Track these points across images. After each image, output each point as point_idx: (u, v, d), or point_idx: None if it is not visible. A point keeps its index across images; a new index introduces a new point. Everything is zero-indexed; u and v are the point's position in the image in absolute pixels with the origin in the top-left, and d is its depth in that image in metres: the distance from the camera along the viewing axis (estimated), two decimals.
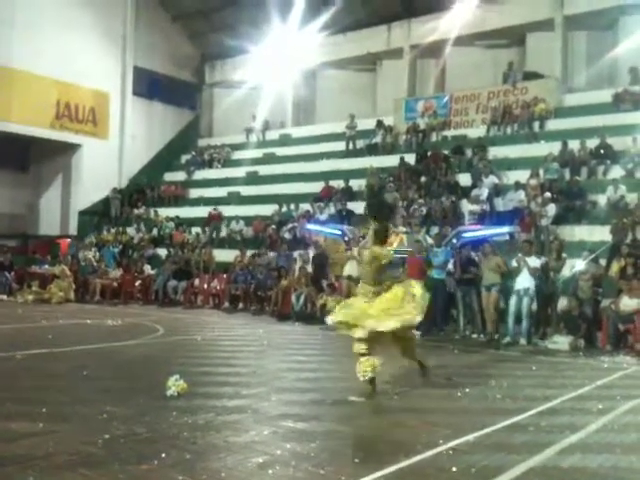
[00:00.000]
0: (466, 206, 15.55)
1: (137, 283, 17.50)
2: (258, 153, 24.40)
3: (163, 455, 4.44)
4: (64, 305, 16.19)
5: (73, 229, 23.37)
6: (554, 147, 16.71)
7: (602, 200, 14.45)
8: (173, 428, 5.17)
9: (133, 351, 9.30)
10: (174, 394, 6.17)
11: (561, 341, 10.42)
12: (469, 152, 18.35)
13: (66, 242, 21.15)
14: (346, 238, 14.31)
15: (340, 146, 22.17)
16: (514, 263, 11.34)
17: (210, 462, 4.42)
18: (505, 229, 12.75)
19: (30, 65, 21.48)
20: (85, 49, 23.20)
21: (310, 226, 16.09)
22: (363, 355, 6.54)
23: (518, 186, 15.51)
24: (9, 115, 21.14)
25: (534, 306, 10.98)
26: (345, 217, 16.99)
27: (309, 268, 15.16)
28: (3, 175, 23.44)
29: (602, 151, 15.94)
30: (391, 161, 19.51)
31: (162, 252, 19.18)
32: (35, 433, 4.88)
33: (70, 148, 23.70)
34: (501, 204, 15.54)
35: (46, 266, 18.00)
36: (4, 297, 17.37)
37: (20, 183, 24.41)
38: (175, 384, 6.24)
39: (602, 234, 13.12)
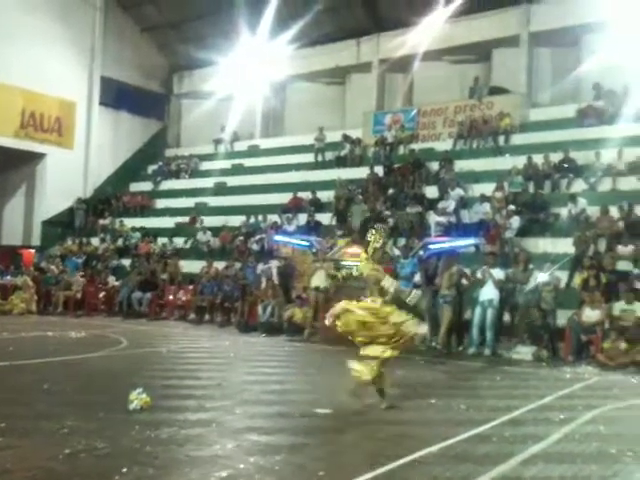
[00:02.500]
0: (433, 218, 15.69)
1: (101, 294, 17.21)
2: (226, 164, 24.32)
3: (124, 470, 4.37)
4: (26, 317, 15.87)
5: (36, 239, 22.95)
6: (519, 161, 16.99)
7: (565, 213, 14.72)
8: (135, 443, 5.09)
9: (96, 364, 9.14)
10: (137, 408, 6.08)
11: (525, 352, 10.56)
12: (436, 165, 18.55)
13: (29, 252, 20.75)
14: (314, 249, 14.35)
15: (309, 158, 22.23)
16: (479, 275, 11.48)
17: (173, 477, 4.36)
18: (471, 241, 12.91)
19: None
20: (52, 59, 22.91)
21: (278, 237, 16.08)
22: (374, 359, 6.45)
23: (483, 199, 15.73)
24: None
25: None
26: (313, 228, 17.01)
27: (276, 279, 15.13)
28: None
29: (565, 165, 16.26)
30: (359, 173, 19.62)
31: (127, 263, 18.93)
32: None
33: (35, 157, 23.31)
34: (467, 216, 15.73)
35: (8, 277, 17.62)
36: None
37: None
38: (138, 397, 6.15)
39: (565, 246, 13.34)
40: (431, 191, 17.37)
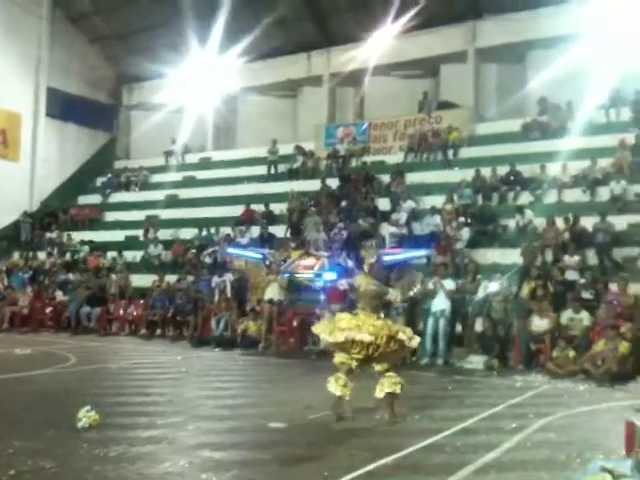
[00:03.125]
0: (386, 229, 15.84)
1: (48, 310, 16.73)
2: (178, 176, 24.04)
3: None
4: None
5: None
6: (467, 173, 17.33)
7: (512, 224, 15.06)
8: (84, 461, 4.95)
9: (43, 381, 8.86)
10: (85, 426, 5.92)
11: (476, 361, 10.71)
12: (387, 177, 18.75)
13: None
14: (267, 262, 14.30)
15: (261, 170, 22.18)
16: (430, 285, 11.62)
17: None
18: (422, 252, 13.09)
19: None
20: None
21: (231, 250, 15.97)
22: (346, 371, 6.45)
23: (434, 211, 15.96)
24: None
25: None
26: (266, 241, 16.95)
27: (229, 293, 15.00)
28: None
29: (512, 178, 16.66)
30: (312, 186, 19.69)
31: (75, 277, 18.43)
32: None
33: None
34: (419, 228, 15.91)
35: None
36: None
37: None
38: (86, 415, 5.99)
39: (513, 257, 13.63)
40: (383, 203, 17.55)
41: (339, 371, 6.49)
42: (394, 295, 6.84)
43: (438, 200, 16.48)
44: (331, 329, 6.56)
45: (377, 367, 6.59)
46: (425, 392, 8.45)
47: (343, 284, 7.33)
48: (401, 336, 6.52)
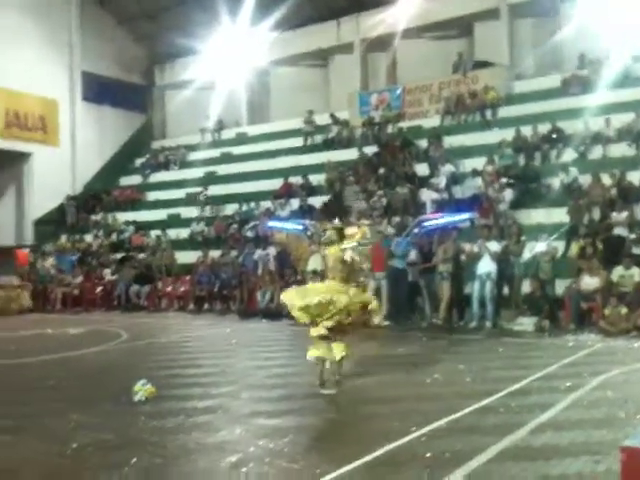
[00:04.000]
0: (427, 195, 15.66)
1: (98, 290, 17.16)
2: (215, 153, 24.15)
3: (134, 461, 4.35)
4: (24, 315, 15.80)
5: (29, 239, 22.80)
6: (507, 133, 16.92)
7: (557, 183, 14.70)
8: (142, 433, 5.07)
9: (98, 358, 9.11)
10: (142, 399, 6.06)
11: (526, 322, 10.58)
12: (424, 142, 18.48)
13: (23, 252, 20.61)
14: (308, 233, 14.29)
15: (297, 142, 22.11)
16: (475, 249, 11.47)
17: (182, 465, 4.34)
18: (465, 216, 12.84)
19: None
20: (31, 57, 22.58)
21: (272, 223, 15.98)
22: (324, 339, 6.42)
23: (475, 173, 15.68)
24: None
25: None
26: (306, 212, 16.95)
27: (272, 265, 15.10)
28: None
29: (554, 135, 16.22)
30: (349, 155, 19.54)
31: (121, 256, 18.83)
32: (2, 446, 4.78)
33: (21, 157, 23.09)
34: (459, 191, 15.69)
35: (3, 277, 17.47)
36: None
37: None
38: (142, 389, 6.13)
39: (559, 216, 13.34)
40: (422, 168, 17.32)
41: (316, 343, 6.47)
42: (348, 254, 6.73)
43: (478, 162, 16.17)
44: (302, 295, 6.51)
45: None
46: (475, 355, 8.41)
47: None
48: (371, 307, 6.54)
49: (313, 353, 6.43)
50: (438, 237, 11.64)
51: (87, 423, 5.36)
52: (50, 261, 18.46)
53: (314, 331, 6.42)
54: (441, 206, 15.06)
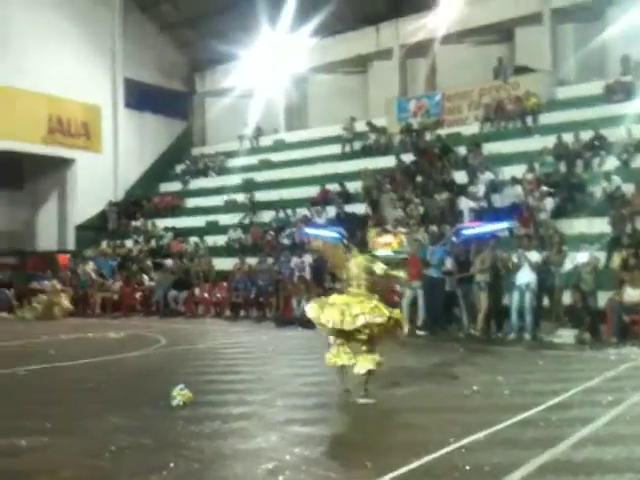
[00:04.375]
0: (465, 203, 15.51)
1: (137, 295, 17.42)
2: (253, 160, 24.35)
3: (171, 465, 4.38)
4: (65, 319, 16.11)
5: (71, 244, 23.29)
6: (548, 141, 16.68)
7: (599, 192, 14.39)
8: (180, 438, 5.11)
9: (137, 362, 9.25)
10: (180, 404, 6.11)
11: (566, 334, 10.38)
12: (463, 150, 18.32)
13: (65, 257, 21.07)
14: (345, 241, 14.29)
15: (334, 149, 22.14)
16: (514, 259, 11.30)
17: (219, 470, 4.37)
18: (504, 225, 12.66)
19: (18, 80, 21.36)
20: (75, 63, 23.15)
21: (308, 230, 16.02)
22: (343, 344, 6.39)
23: (514, 181, 15.48)
24: (0, 132, 21.05)
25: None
26: (343, 220, 16.94)
27: (308, 273, 15.12)
28: None
29: (596, 143, 15.91)
30: (386, 162, 19.49)
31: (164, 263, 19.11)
32: (40, 448, 4.83)
33: (64, 163, 23.62)
34: (498, 200, 15.50)
35: (46, 282, 17.89)
36: (4, 314, 17.30)
37: (16, 200, 24.31)
38: (180, 394, 6.18)
39: (601, 226, 13.07)
40: (460, 176, 17.17)
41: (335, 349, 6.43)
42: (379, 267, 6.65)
43: (518, 170, 15.96)
44: (322, 306, 6.44)
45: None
46: (514, 367, 8.27)
47: None
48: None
49: (332, 361, 6.42)
50: (476, 246, 11.48)
51: (126, 426, 5.42)
52: (91, 266, 18.81)
53: (326, 332, 6.42)
54: (479, 214, 14.89)
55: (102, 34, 24.40)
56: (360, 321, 6.15)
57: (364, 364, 6.31)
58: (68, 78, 22.63)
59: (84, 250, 21.55)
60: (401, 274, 7.21)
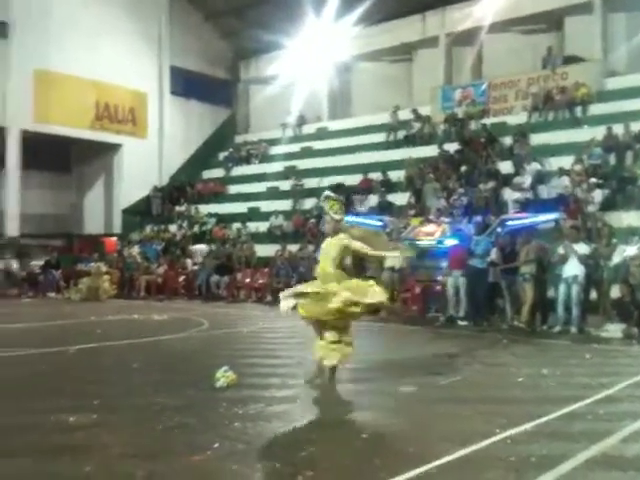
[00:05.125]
0: (509, 194, 15.27)
1: (181, 279, 17.71)
2: (295, 147, 24.41)
3: (216, 445, 4.43)
4: (111, 301, 16.48)
5: (117, 227, 23.78)
6: (597, 132, 16.30)
7: None
8: (224, 419, 5.17)
9: (180, 344, 9.39)
10: (223, 385, 6.18)
11: (613, 329, 10.14)
12: (509, 140, 18.03)
13: (111, 240, 21.52)
14: (387, 229, 14.25)
15: (377, 138, 22.04)
16: (561, 250, 11.07)
17: (262, 452, 4.39)
18: (551, 216, 12.47)
19: (68, 67, 21.86)
20: (122, 50, 23.55)
21: (350, 218, 16.01)
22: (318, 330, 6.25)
23: (562, 172, 15.17)
24: (49, 117, 21.57)
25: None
26: (385, 209, 16.88)
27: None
28: (47, 177, 24.00)
29: None
30: (429, 151, 19.33)
31: (204, 248, 19.32)
32: (89, 425, 4.93)
33: (111, 148, 24.09)
34: (545, 191, 15.21)
35: (92, 264, 18.33)
36: (52, 294, 17.80)
37: (63, 184, 24.94)
38: (224, 375, 6.24)
39: None
40: (505, 167, 16.91)
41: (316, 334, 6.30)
42: (393, 261, 6.44)
43: (566, 161, 15.64)
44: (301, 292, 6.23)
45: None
46: (559, 360, 8.11)
47: None
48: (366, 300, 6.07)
49: (320, 353, 6.25)
50: (523, 238, 11.29)
51: (171, 406, 5.50)
52: (136, 250, 19.17)
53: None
54: (525, 206, 14.66)
55: (149, 22, 24.74)
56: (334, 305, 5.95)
57: (330, 358, 6.20)
58: (116, 65, 23.03)
59: (129, 234, 21.96)
60: (394, 253, 6.83)
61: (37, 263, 19.15)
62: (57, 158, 24.08)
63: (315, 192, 19.80)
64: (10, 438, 4.58)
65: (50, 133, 21.64)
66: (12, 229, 21.09)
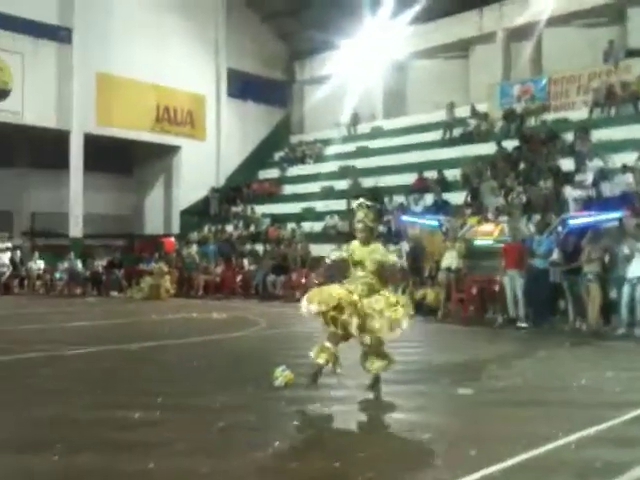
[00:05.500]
0: (570, 192, 14.88)
1: (238, 278, 17.97)
2: (350, 147, 24.40)
3: (276, 444, 4.48)
4: (171, 300, 16.86)
5: (175, 228, 24.30)
6: None
7: None
8: (283, 417, 5.22)
9: (238, 343, 9.55)
10: (281, 384, 6.21)
11: None
12: (570, 136, 17.58)
13: (170, 240, 22.01)
14: (444, 229, 14.11)
15: (433, 136, 21.83)
16: (625, 250, 10.72)
17: (323, 452, 4.42)
18: (615, 215, 12.08)
19: (129, 71, 22.49)
20: (180, 53, 24.04)
21: (406, 218, 15.94)
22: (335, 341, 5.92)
23: (625, 169, 14.69)
24: (112, 121, 22.23)
25: None
26: (441, 208, 16.70)
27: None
28: (110, 179, 24.72)
29: None
30: (486, 149, 19.01)
31: (259, 248, 19.59)
32: (153, 421, 5.04)
33: (170, 150, 24.63)
34: (608, 189, 14.76)
35: (152, 264, 18.79)
36: (115, 293, 18.34)
37: (125, 186, 25.65)
38: (282, 374, 6.28)
39: None
40: (566, 164, 16.49)
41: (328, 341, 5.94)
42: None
43: (629, 157, 15.14)
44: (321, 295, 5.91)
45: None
46: (624, 363, 7.88)
47: None
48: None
49: (317, 357, 5.93)
50: (589, 237, 10.95)
51: (231, 404, 5.59)
52: (195, 249, 19.56)
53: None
54: (586, 204, 14.27)
55: (207, 26, 25.17)
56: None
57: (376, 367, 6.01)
58: (175, 68, 23.55)
59: (188, 234, 22.41)
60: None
61: (100, 263, 19.75)
62: (119, 160, 24.80)
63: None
64: (78, 433, 4.73)
65: (112, 136, 22.30)
66: (76, 230, 21.81)
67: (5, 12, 20.14)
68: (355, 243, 6.09)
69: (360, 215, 6.05)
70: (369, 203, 6.14)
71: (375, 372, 6.08)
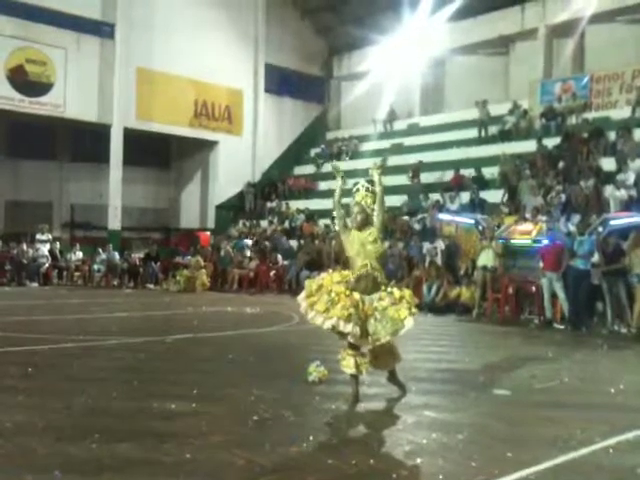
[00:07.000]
0: (611, 192, 14.59)
1: (272, 273, 18.06)
2: (386, 144, 24.29)
3: (311, 438, 4.50)
4: (206, 293, 17.03)
5: (211, 222, 24.54)
6: None
7: None
8: (317, 413, 5.24)
9: (273, 337, 9.60)
10: (315, 380, 6.24)
11: None
12: (612, 135, 17.21)
13: (206, 235, 22.25)
14: (480, 227, 13.98)
15: (470, 133, 21.58)
16: None
17: (358, 448, 4.42)
18: None
19: (169, 66, 22.75)
20: (219, 49, 24.21)
21: (442, 216, 15.83)
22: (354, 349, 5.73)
23: None
24: (152, 115, 22.53)
25: None
26: (477, 206, 16.53)
27: (439, 259, 14.93)
28: (148, 172, 25.08)
29: None
30: (525, 147, 18.73)
31: (293, 243, 19.64)
32: (189, 413, 5.10)
33: (208, 145, 24.86)
34: None
35: (188, 257, 19.01)
36: (151, 286, 18.61)
37: (163, 180, 26.00)
38: (316, 370, 6.31)
39: None
40: (608, 163, 16.15)
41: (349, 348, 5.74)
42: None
43: None
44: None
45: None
46: None
47: None
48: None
49: (345, 367, 5.75)
50: (633, 238, 10.69)
51: (266, 397, 5.62)
52: (229, 244, 19.71)
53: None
54: (627, 204, 13.97)
55: (246, 21, 25.30)
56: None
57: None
58: (214, 64, 23.73)
59: (223, 229, 22.60)
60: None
61: (137, 255, 20.06)
62: (157, 154, 25.14)
63: (405, 189, 19.66)
64: (115, 422, 4.82)
65: (151, 130, 22.60)
66: (114, 222, 22.18)
67: (49, 7, 20.55)
68: (353, 232, 5.84)
69: (358, 198, 5.80)
70: (369, 186, 5.84)
71: (386, 369, 6.04)
